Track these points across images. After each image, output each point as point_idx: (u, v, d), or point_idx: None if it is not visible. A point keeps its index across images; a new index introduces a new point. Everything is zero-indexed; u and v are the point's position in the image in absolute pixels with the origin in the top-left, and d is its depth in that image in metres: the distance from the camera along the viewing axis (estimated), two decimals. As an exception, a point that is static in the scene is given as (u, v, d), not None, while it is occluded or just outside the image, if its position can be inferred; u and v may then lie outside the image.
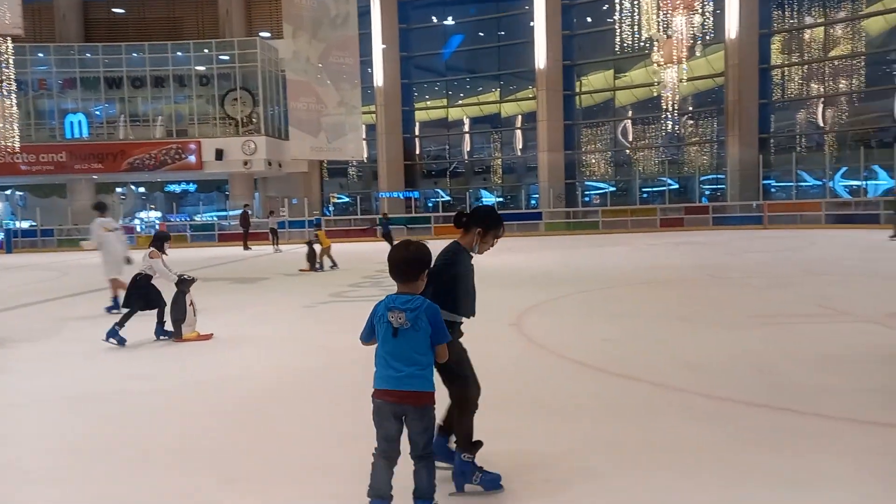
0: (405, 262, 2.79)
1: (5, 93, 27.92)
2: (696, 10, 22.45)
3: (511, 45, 33.22)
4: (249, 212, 25.86)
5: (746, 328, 6.94)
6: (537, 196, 32.03)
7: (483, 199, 34.80)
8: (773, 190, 28.20)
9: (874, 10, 26.18)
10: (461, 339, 3.24)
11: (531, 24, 31.33)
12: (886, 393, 4.58)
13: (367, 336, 2.82)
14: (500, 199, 34.47)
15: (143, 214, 34.33)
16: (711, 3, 23.23)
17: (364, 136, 33.16)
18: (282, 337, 7.43)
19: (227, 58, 31.20)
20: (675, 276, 12.20)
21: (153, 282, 7.19)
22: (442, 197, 34.42)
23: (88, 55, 31.55)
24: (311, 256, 15.05)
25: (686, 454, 3.52)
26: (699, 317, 7.74)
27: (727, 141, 28.22)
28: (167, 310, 7.15)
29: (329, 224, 29.00)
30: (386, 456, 2.72)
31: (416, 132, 35.61)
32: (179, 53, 31.33)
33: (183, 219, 32.47)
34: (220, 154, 29.48)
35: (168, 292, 7.18)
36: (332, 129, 30.21)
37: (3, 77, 27.96)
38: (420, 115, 35.83)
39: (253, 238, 24.71)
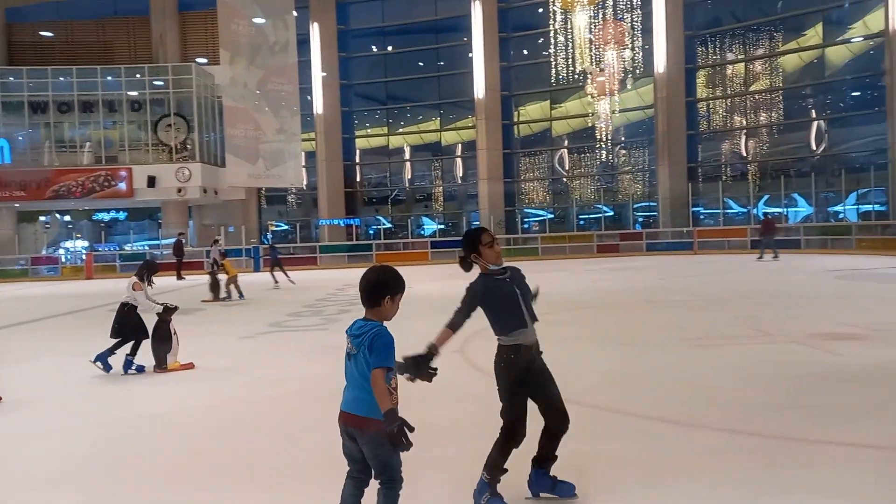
0: (366, 287, 2.78)
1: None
2: (627, 45, 23.48)
3: (451, 74, 33.76)
4: (183, 240, 25.08)
5: (680, 349, 7.16)
6: (478, 223, 32.37)
7: (425, 228, 34.90)
8: (701, 217, 29.41)
9: (789, 47, 27.97)
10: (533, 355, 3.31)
11: (469, 55, 31.98)
12: (812, 409, 4.79)
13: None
14: (442, 227, 34.65)
15: (68, 244, 32.77)
16: (641, 39, 24.34)
17: (304, 164, 32.85)
18: (222, 368, 7.18)
19: (160, 83, 30.43)
20: (612, 300, 12.50)
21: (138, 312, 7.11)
22: (383, 224, 34.34)
23: (12, 79, 30.19)
24: (215, 286, 14.57)
25: (616, 472, 3.56)
26: (635, 339, 7.94)
27: (658, 170, 29.35)
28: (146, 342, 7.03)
29: (267, 252, 28.47)
30: (351, 476, 2.75)
31: (357, 159, 35.56)
32: (110, 78, 30.35)
33: (112, 248, 31.15)
34: (152, 181, 28.53)
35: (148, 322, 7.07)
36: (271, 156, 29.81)
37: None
38: (361, 143, 35.82)
39: (187, 267, 23.96)
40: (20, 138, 30.36)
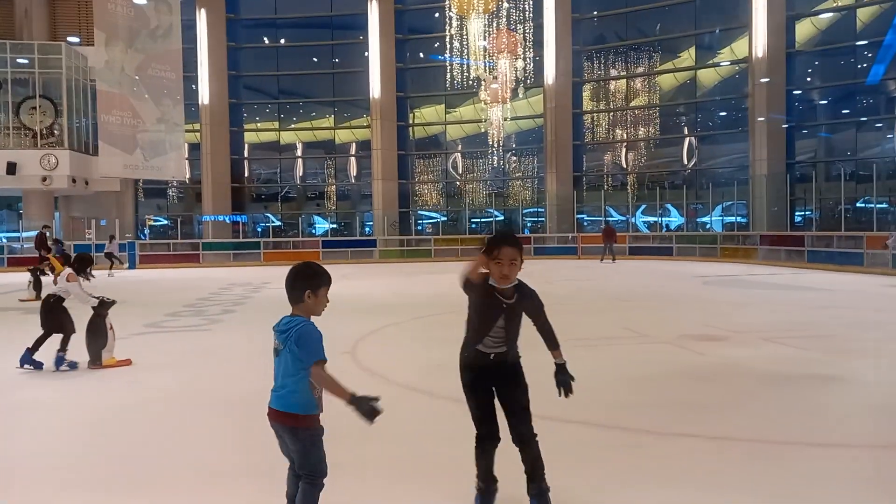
0: (287, 283, 2.78)
1: None
2: (519, 55, 24.24)
3: (346, 73, 33.32)
4: (48, 233, 23.07)
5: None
6: (371, 223, 32.15)
7: (316, 227, 34.20)
8: (585, 223, 30.85)
9: (666, 68, 29.98)
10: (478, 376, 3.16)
11: (366, 54, 31.72)
12: (683, 406, 5.12)
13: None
14: (334, 226, 34.10)
15: None
16: (532, 51, 25.20)
17: (187, 156, 31.17)
18: (88, 375, 6.63)
19: (24, 61, 27.78)
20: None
21: (66, 304, 6.72)
22: (272, 222, 33.28)
23: None
24: (38, 285, 13.45)
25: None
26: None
27: (546, 177, 30.48)
28: (78, 337, 6.65)
29: (145, 248, 26.80)
30: (293, 470, 2.78)
31: (246, 154, 34.24)
32: (-34, 53, 27.33)
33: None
34: (12, 168, 25.94)
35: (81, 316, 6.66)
36: (150, 146, 28.05)
37: None
38: (250, 137, 34.54)
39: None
40: None
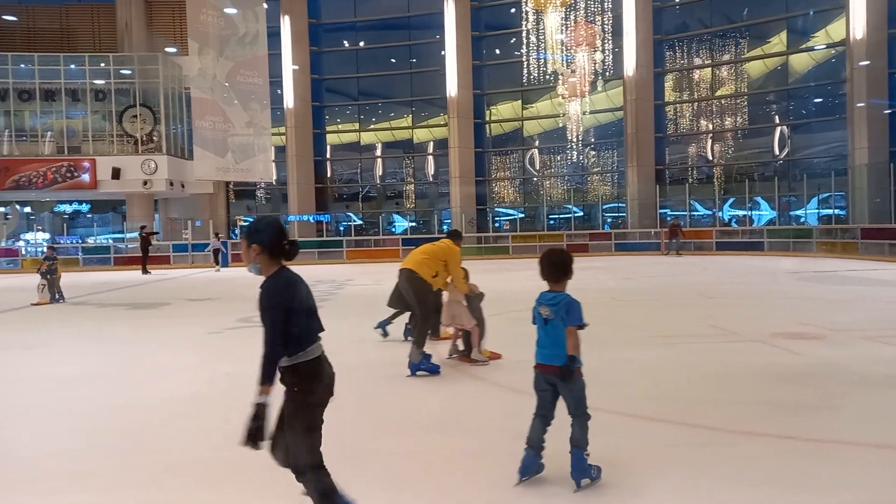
0: (553, 265, 3.47)
1: None
2: (598, 47, 23.79)
3: (423, 72, 33.75)
4: (154, 232, 24.79)
5: (644, 347, 7.30)
6: (449, 221, 32.44)
7: (396, 225, 34.85)
8: (668, 218, 29.96)
9: (755, 54, 28.62)
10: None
11: (442, 52, 32.00)
12: (775, 406, 4.94)
13: (534, 321, 3.52)
14: (413, 224, 34.63)
15: (28, 236, 31.90)
16: (611, 42, 24.67)
17: (273, 158, 32.51)
18: (184, 364, 7.09)
19: (126, 72, 29.80)
20: (580, 298, 12.65)
21: None
22: (354, 221, 34.18)
23: (-31, 64, 29.24)
24: (52, 286, 13.82)
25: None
26: (602, 337, 8.07)
27: (627, 171, 29.78)
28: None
29: (236, 247, 28.10)
30: (539, 415, 3.46)
31: (328, 155, 35.31)
32: (73, 66, 29.61)
33: (74, 241, 30.40)
34: (116, 173, 27.94)
35: None
36: (240, 149, 29.45)
37: None
38: (332, 139, 35.59)
39: (152, 262, 23.56)
40: (-22, 126, 29.44)
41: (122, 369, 6.94)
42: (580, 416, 3.38)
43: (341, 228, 34.24)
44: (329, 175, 35.47)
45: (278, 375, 2.61)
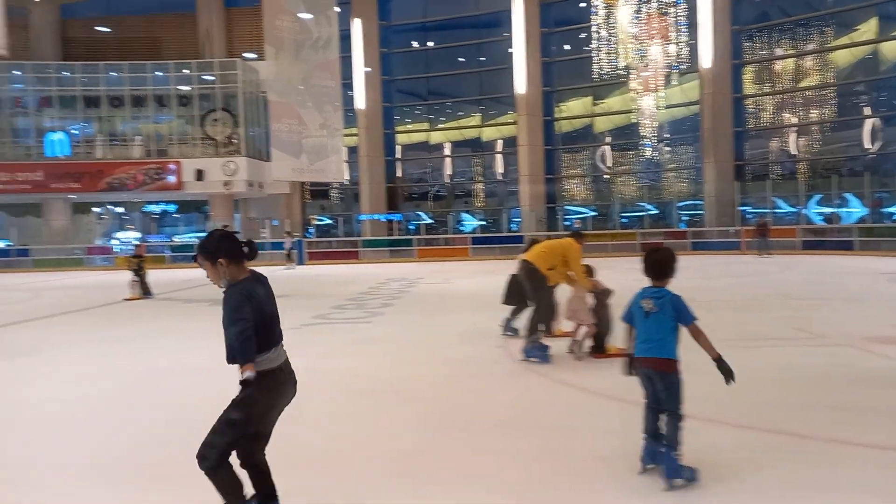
0: (659, 264, 3.54)
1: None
2: (671, 40, 23.09)
3: (491, 70, 33.72)
4: (234, 231, 25.82)
5: (723, 350, 7.07)
6: (519, 220, 32.30)
7: (465, 224, 35.01)
8: (749, 216, 28.78)
9: (842, 42, 27.09)
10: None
11: (510, 50, 31.86)
12: (866, 413, 4.70)
13: (626, 318, 3.63)
14: (483, 223, 34.68)
15: (120, 234, 33.88)
16: (686, 34, 23.88)
17: (346, 159, 33.24)
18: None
19: (208, 78, 31.17)
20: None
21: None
22: (423, 220, 34.54)
23: (66, 73, 31.31)
24: (142, 283, 14.47)
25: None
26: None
27: (704, 168, 28.79)
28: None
29: (311, 246, 28.93)
30: (650, 407, 3.53)
31: (398, 155, 35.81)
32: (159, 73, 31.22)
33: (162, 239, 32.08)
34: (200, 174, 29.29)
35: None
36: (314, 150, 30.25)
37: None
38: (402, 138, 36.06)
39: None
40: (75, 132, 31.49)
41: (207, 363, 7.29)
42: (673, 414, 3.40)
43: (411, 227, 34.67)
44: (399, 174, 35.97)
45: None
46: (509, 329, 8.03)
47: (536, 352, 6.58)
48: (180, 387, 6.17)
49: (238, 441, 2.82)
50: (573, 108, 33.28)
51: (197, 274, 19.49)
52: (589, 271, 6.81)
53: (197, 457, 2.77)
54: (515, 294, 7.83)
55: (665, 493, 3.31)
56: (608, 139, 32.68)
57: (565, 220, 32.56)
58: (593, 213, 32.37)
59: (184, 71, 31.23)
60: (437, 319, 10.19)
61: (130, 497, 3.57)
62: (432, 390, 5.69)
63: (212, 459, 2.75)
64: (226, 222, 27.51)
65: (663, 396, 3.42)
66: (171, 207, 35.06)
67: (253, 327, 2.71)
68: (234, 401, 2.78)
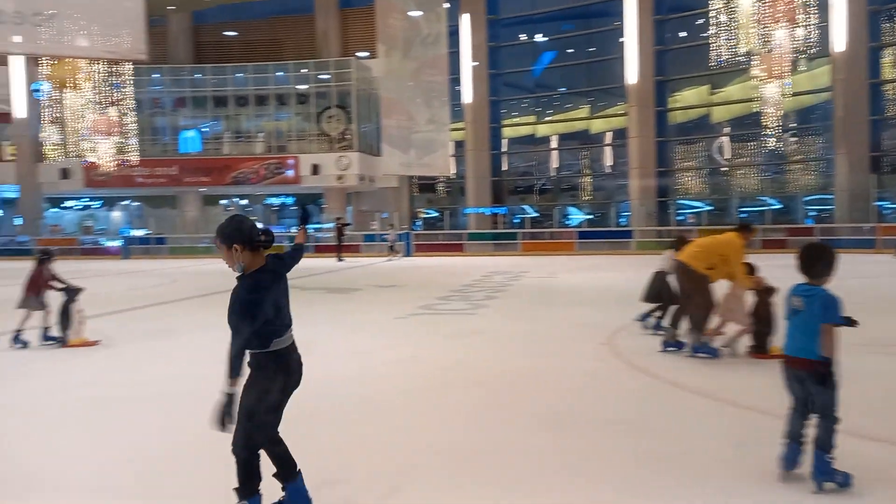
0: (811, 260, 3.44)
1: (125, 111, 30.44)
2: (799, 23, 21.51)
3: (601, 60, 32.92)
4: (347, 223, 27.10)
5: (855, 356, 6.59)
6: (628, 214, 31.40)
7: (571, 218, 34.50)
8: (886, 212, 26.36)
9: None
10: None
11: (621, 39, 30.93)
12: None
13: (786, 315, 3.49)
14: (590, 217, 34.02)
15: (244, 225, 36.25)
16: (816, 16, 22.16)
17: (452, 153, 33.68)
18: (375, 346, 7.72)
19: (324, 77, 32.64)
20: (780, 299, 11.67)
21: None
22: (528, 213, 34.37)
23: (198, 76, 33.83)
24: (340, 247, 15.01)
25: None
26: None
27: (835, 159, 26.66)
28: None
29: (418, 238, 29.59)
30: (795, 409, 3.39)
31: (504, 148, 35.80)
32: (280, 73, 33.06)
33: (281, 230, 34.01)
34: (316, 169, 30.80)
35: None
36: (422, 145, 30.89)
37: (124, 96, 30.52)
38: (508, 132, 36.01)
39: (345, 250, 25.57)
40: (205, 129, 34.02)
41: (324, 348, 7.71)
42: (827, 417, 3.27)
43: (516, 221, 34.61)
44: (505, 168, 35.97)
45: (247, 361, 2.81)
46: (657, 328, 7.69)
47: (705, 349, 6.42)
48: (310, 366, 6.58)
49: (271, 431, 2.99)
50: (688, 97, 31.84)
51: (313, 263, 20.68)
52: (750, 269, 6.47)
53: (232, 443, 2.92)
54: (659, 292, 7.59)
55: (815, 497, 3.19)
56: (726, 130, 31.00)
57: (678, 214, 31.26)
58: (709, 208, 30.86)
59: (302, 70, 32.89)
60: (542, 313, 10.19)
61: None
62: (536, 385, 5.74)
63: (246, 448, 2.93)
64: (339, 214, 28.72)
65: (817, 401, 3.28)
66: (290, 200, 37.04)
67: (247, 342, 2.80)
68: (245, 387, 2.87)
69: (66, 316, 7.61)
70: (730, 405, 4.95)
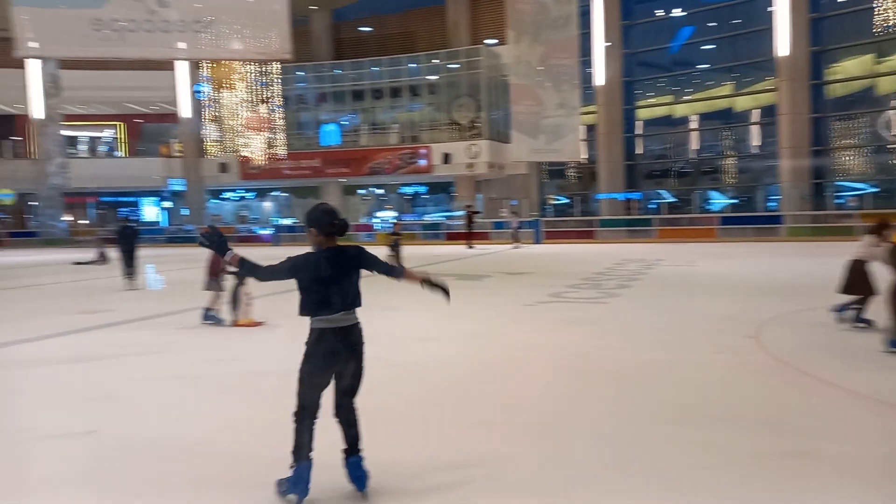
0: None
1: (274, 108, 32.78)
2: None
3: (747, 33, 30.60)
4: (477, 211, 27.50)
5: None
6: (777, 197, 29.13)
7: (712, 202, 32.62)
8: None
9: None
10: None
11: (770, 9, 28.55)
12: None
13: None
14: (733, 201, 31.95)
15: (380, 214, 37.84)
16: None
17: (583, 137, 32.93)
18: (506, 331, 7.84)
19: (455, 66, 33.13)
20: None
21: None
22: (665, 198, 32.89)
23: (338, 71, 35.61)
24: (398, 258, 15.31)
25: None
26: None
27: None
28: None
29: (548, 225, 29.34)
30: None
31: (639, 131, 34.46)
32: (413, 65, 33.99)
33: (414, 218, 35.16)
34: (446, 158, 31.43)
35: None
36: (552, 130, 30.48)
37: (272, 94, 32.87)
38: (643, 114, 34.59)
39: (475, 237, 25.93)
40: (344, 122, 35.82)
41: (457, 331, 7.96)
42: None
43: (651, 206, 33.27)
44: (640, 151, 34.63)
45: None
46: (858, 321, 7.18)
47: None
48: (430, 351, 6.86)
49: (314, 398, 3.24)
50: (848, 68, 28.81)
51: (444, 250, 21.29)
52: None
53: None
54: (860, 282, 7.08)
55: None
56: (894, 103, 27.76)
57: (836, 197, 28.53)
58: (874, 190, 27.86)
59: (433, 61, 33.60)
60: (680, 304, 9.80)
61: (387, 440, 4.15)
62: (669, 378, 5.58)
63: (295, 410, 3.25)
64: (469, 202, 29.14)
65: None
66: (422, 189, 38.12)
67: (270, 274, 3.28)
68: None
69: (235, 298, 8.45)
70: (888, 405, 4.55)
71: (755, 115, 31.36)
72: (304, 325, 3.27)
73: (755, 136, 31.44)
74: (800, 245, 22.29)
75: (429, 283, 3.53)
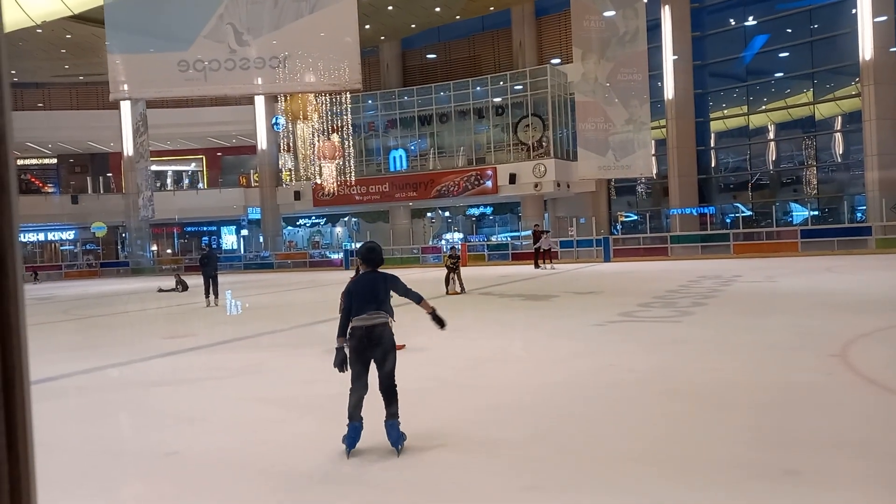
0: None
1: (344, 136, 33.76)
2: None
3: (827, 38, 29.30)
4: (545, 231, 27.20)
5: None
6: (863, 208, 27.53)
7: (793, 215, 31.13)
8: None
9: None
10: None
11: (853, 11, 27.25)
12: None
13: None
14: (816, 213, 30.41)
15: (448, 236, 38.14)
16: None
17: (653, 152, 32.23)
18: (573, 353, 7.71)
19: (520, 87, 33.22)
20: None
21: None
22: (742, 212, 31.64)
23: (406, 98, 36.38)
24: (451, 279, 15.42)
25: None
26: None
27: None
28: None
29: (617, 242, 28.76)
30: None
31: (711, 143, 33.41)
32: (478, 88, 34.32)
33: (481, 239, 35.23)
34: (513, 178, 31.40)
35: None
36: (620, 146, 30.01)
37: (344, 123, 33.89)
38: (716, 126, 33.57)
39: (543, 257, 25.68)
40: (412, 147, 36.44)
41: (522, 353, 7.91)
42: None
43: (727, 220, 32.08)
44: (713, 164, 33.54)
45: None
46: None
47: None
48: (496, 371, 6.83)
49: (355, 375, 4.19)
50: (942, 68, 27.05)
51: (511, 270, 21.28)
52: None
53: None
54: None
55: None
56: None
57: (933, 206, 26.65)
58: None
59: (499, 83, 33.84)
60: (759, 322, 9.37)
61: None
62: (747, 399, 5.33)
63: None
64: (536, 222, 28.95)
65: None
66: (488, 210, 38.20)
67: (346, 311, 4.30)
68: None
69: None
70: None
71: (838, 123, 29.87)
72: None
73: (838, 145, 29.91)
74: (890, 258, 20.91)
75: (434, 314, 4.49)
